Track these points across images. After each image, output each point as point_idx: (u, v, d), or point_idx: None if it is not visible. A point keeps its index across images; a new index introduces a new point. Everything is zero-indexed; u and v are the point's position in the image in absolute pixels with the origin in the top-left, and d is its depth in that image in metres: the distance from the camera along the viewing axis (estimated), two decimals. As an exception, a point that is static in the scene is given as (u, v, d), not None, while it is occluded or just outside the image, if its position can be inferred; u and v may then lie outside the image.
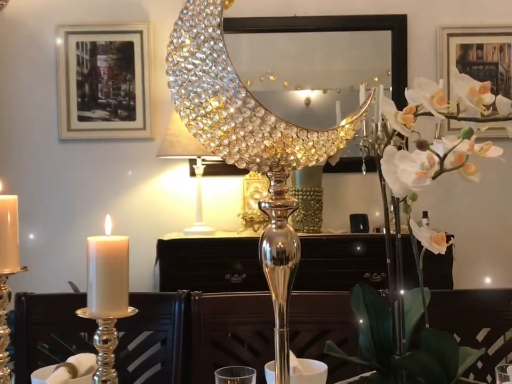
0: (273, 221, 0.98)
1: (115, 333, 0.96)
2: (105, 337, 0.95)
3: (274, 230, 0.97)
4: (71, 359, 1.37)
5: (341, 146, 0.98)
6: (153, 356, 1.67)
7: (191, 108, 0.93)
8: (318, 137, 0.91)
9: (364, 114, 0.98)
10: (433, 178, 0.85)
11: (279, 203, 0.96)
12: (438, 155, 0.83)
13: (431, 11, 2.83)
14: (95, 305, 0.95)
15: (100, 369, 0.95)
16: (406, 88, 1.02)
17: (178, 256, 2.52)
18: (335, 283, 1.87)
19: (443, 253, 0.97)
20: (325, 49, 2.91)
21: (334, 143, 0.95)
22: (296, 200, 0.98)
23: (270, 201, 0.97)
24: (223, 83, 0.88)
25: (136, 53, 2.82)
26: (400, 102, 3.34)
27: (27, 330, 1.65)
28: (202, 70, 0.90)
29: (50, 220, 2.86)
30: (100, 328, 0.96)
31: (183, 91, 0.94)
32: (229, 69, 0.87)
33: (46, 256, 2.85)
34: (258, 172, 0.96)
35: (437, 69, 2.82)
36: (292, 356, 1.40)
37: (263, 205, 0.97)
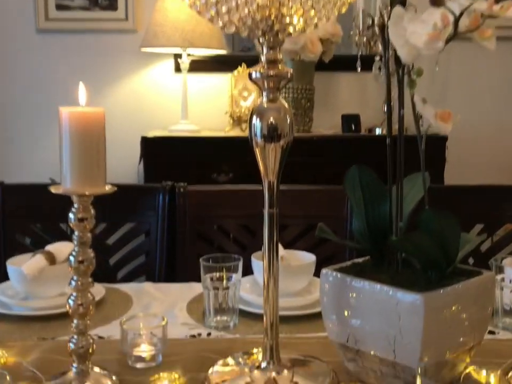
0: (264, 93, 0.89)
1: (92, 211, 0.89)
2: (81, 216, 0.88)
3: (265, 104, 0.89)
4: (49, 247, 1.31)
5: (343, 10, 0.87)
6: (136, 248, 1.62)
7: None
8: (317, -5, 0.81)
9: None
10: (446, 42, 0.76)
11: (272, 72, 0.87)
12: (453, 13, 0.73)
13: None
14: (69, 181, 0.88)
15: (76, 249, 0.89)
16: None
17: (163, 155, 2.43)
18: (325, 183, 1.81)
19: (448, 132, 0.89)
20: None
21: (336, 5, 0.85)
22: (291, 70, 0.88)
23: (262, 70, 0.87)
24: None
25: None
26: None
27: (3, 221, 1.59)
28: None
29: (29, 115, 2.74)
30: (75, 205, 0.88)
31: None
32: None
33: (27, 153, 2.75)
34: (250, 38, 0.86)
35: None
36: (279, 246, 1.36)
37: (253, 75, 0.88)
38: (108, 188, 0.89)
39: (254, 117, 0.89)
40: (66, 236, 1.58)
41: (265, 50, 0.88)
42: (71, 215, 0.88)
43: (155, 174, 2.42)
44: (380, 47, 2.58)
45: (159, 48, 2.46)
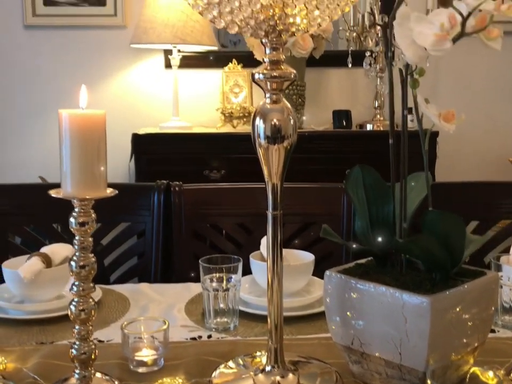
0: (267, 95, 0.88)
1: (93, 215, 0.87)
2: (82, 220, 0.87)
3: (268, 106, 0.88)
4: (44, 249, 1.29)
5: (346, 10, 0.86)
6: (131, 248, 1.60)
7: (175, -42, 0.80)
8: (322, -5, 0.80)
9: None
10: (453, 42, 0.75)
11: (275, 74, 0.86)
12: (461, 14, 0.72)
13: None
14: (69, 184, 0.86)
15: (77, 253, 0.88)
16: None
17: (155, 152, 2.41)
18: (317, 180, 1.80)
19: (452, 131, 0.88)
20: None
21: (339, 5, 0.84)
22: (294, 71, 0.87)
23: (265, 71, 0.86)
24: None
25: None
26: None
27: (-4, 221, 1.56)
28: None
29: (17, 112, 2.70)
30: (76, 209, 0.87)
31: None
32: None
33: (15, 150, 2.72)
34: (253, 37, 0.85)
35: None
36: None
37: (256, 76, 0.87)
38: (109, 191, 0.88)
39: (257, 118, 0.88)
40: (59, 236, 1.57)
41: (267, 51, 0.87)
42: (71, 220, 0.87)
43: (146, 171, 2.40)
44: (370, 43, 2.58)
45: (149, 44, 2.44)
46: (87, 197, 0.86)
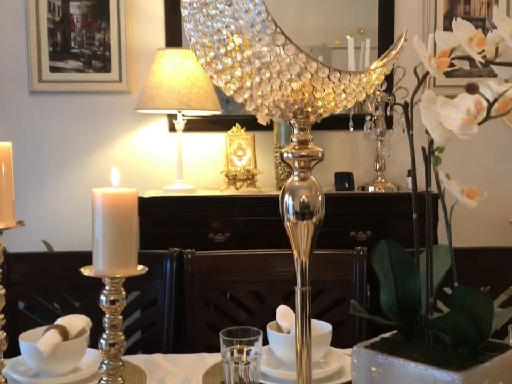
0: (295, 173, 0.90)
1: (123, 292, 0.88)
2: (112, 298, 0.87)
3: (297, 183, 0.90)
4: (60, 321, 1.29)
5: (370, 91, 0.90)
6: (143, 317, 1.59)
7: (209, 45, 0.84)
8: (350, 80, 0.84)
9: (396, 57, 0.90)
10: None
11: (303, 153, 0.89)
12: (487, 100, 0.76)
13: (420, -37, 2.74)
14: (101, 262, 0.87)
15: (107, 332, 0.88)
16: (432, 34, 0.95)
17: (159, 215, 2.43)
18: (320, 241, 1.79)
19: (474, 207, 0.91)
20: (297, 5, 2.79)
21: (364, 88, 0.87)
22: (321, 150, 0.90)
23: (293, 151, 0.89)
24: (248, 17, 0.79)
25: (112, 0, 2.65)
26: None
27: (8, 290, 1.55)
28: (224, 2, 0.80)
29: (22, 175, 2.72)
30: (107, 287, 0.88)
31: (200, 27, 0.84)
32: (256, 1, 0.78)
33: (18, 213, 2.71)
34: (281, 118, 0.88)
35: (424, 23, 2.75)
36: (293, 315, 1.36)
37: (285, 155, 0.90)
38: (139, 269, 0.89)
39: (286, 195, 0.90)
40: (70, 305, 1.56)
41: (296, 131, 0.90)
42: (102, 297, 0.87)
43: (151, 234, 2.40)
44: (370, 107, 2.65)
45: (155, 110, 2.49)
46: (118, 275, 0.87)
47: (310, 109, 0.86)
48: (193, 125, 2.64)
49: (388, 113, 2.50)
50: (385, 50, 3.00)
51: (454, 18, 0.87)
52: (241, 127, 2.59)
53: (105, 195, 0.86)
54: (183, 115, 2.53)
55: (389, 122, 2.63)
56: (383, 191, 2.53)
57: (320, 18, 2.79)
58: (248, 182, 2.53)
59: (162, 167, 2.70)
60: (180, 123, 2.50)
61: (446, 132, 0.81)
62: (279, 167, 2.57)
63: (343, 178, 2.55)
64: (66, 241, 2.61)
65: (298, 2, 2.78)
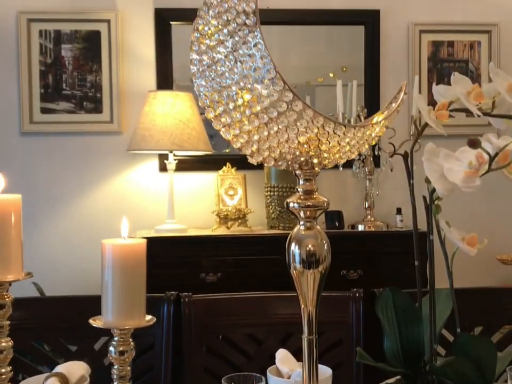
0: (301, 222, 0.93)
1: (132, 343, 0.89)
2: (121, 349, 0.88)
3: (303, 232, 0.92)
4: (60, 368, 1.27)
5: (372, 143, 0.93)
6: (140, 362, 1.58)
7: (218, 100, 0.87)
8: (354, 133, 0.87)
9: (397, 109, 0.93)
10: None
11: (308, 203, 0.91)
12: (488, 154, 0.79)
13: (404, 7, 2.83)
14: (110, 313, 0.87)
15: (116, 383, 0.88)
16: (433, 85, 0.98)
17: (150, 255, 2.37)
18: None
19: (474, 254, 0.93)
20: (280, 44, 2.85)
21: (367, 140, 0.90)
22: (327, 200, 0.92)
23: (299, 201, 0.91)
24: (257, 75, 0.82)
25: (103, 43, 2.70)
26: (372, 97, 3.31)
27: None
28: (233, 60, 0.83)
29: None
30: (116, 338, 0.88)
31: (209, 83, 0.87)
32: (265, 59, 0.81)
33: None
34: (287, 169, 0.90)
35: (408, 65, 2.82)
36: (293, 360, 1.36)
37: (291, 205, 0.92)
38: (148, 319, 0.89)
39: (293, 244, 0.92)
40: (69, 353, 1.54)
41: (301, 182, 0.92)
42: (111, 348, 0.88)
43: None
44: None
45: (148, 150, 2.51)
46: (127, 326, 0.87)
47: (315, 160, 0.89)
48: (184, 165, 2.66)
49: (376, 152, 2.55)
50: (371, 89, 3.08)
51: (452, 73, 0.91)
52: (232, 166, 2.62)
53: (115, 246, 0.87)
54: (175, 155, 2.55)
55: (377, 161, 2.68)
56: (373, 229, 2.56)
57: (303, 56, 2.85)
58: (240, 221, 2.54)
59: (153, 207, 2.71)
60: (171, 163, 2.52)
61: (449, 184, 0.84)
62: (270, 206, 2.59)
63: (333, 217, 2.58)
64: (57, 283, 2.60)
65: (281, 40, 2.84)
